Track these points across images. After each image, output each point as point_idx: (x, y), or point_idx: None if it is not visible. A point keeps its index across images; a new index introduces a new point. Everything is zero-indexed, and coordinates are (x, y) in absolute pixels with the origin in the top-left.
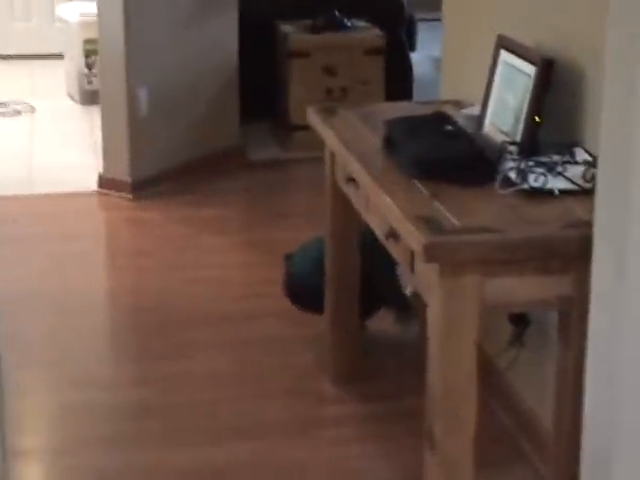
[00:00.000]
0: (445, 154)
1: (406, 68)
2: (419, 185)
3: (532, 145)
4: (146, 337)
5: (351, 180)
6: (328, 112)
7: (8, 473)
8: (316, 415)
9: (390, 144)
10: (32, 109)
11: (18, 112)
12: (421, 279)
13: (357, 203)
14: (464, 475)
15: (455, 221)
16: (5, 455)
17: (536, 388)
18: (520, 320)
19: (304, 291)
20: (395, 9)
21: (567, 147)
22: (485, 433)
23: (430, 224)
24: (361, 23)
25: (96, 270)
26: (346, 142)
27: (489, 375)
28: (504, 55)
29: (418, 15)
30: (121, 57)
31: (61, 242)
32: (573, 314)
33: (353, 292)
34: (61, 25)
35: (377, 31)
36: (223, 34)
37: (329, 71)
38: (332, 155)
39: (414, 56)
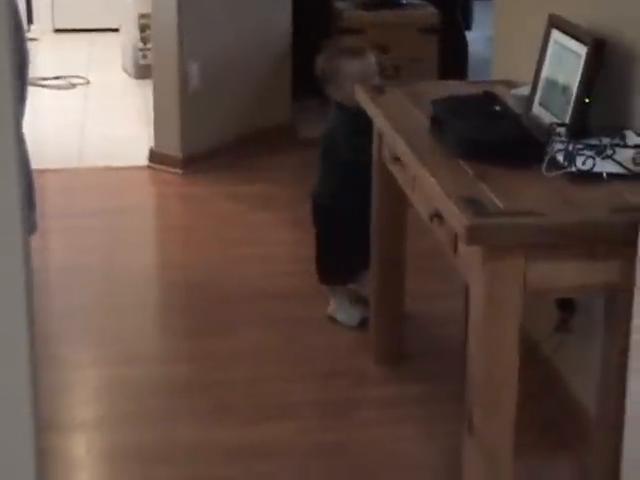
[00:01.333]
0: (492, 135)
1: (461, 47)
2: (465, 166)
3: (581, 127)
4: (192, 313)
5: (397, 159)
6: (377, 91)
7: (48, 447)
8: (357, 396)
9: (437, 124)
10: (87, 82)
11: (73, 85)
12: (464, 262)
13: (403, 183)
14: (503, 461)
15: (500, 203)
16: (38, 429)
17: (581, 375)
18: (567, 305)
19: (324, 209)
20: None
21: (617, 130)
22: (527, 419)
23: (474, 206)
24: (416, 1)
25: (144, 245)
26: (393, 121)
27: (534, 360)
28: (555, 35)
29: None
30: (174, 32)
31: (110, 216)
32: (619, 301)
33: (400, 272)
34: None
35: (432, 9)
36: (276, 10)
37: (382, 49)
38: (380, 134)
39: (470, 35)
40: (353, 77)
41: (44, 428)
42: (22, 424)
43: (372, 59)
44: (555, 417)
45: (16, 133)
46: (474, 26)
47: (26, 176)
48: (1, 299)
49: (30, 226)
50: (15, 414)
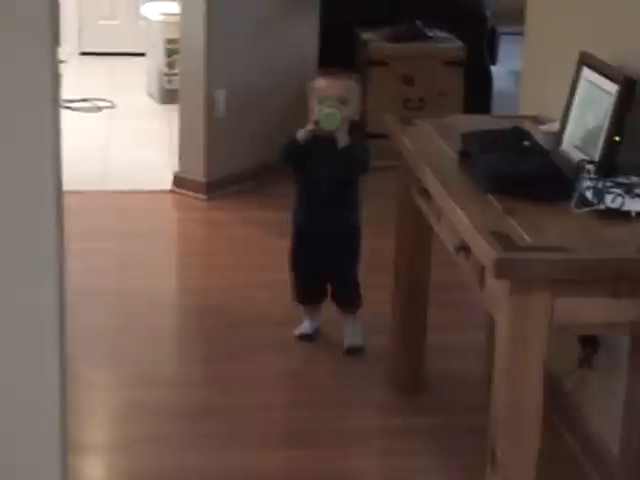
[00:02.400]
0: (521, 170)
1: (486, 81)
2: (493, 200)
3: (610, 165)
4: (210, 338)
5: (424, 191)
6: (405, 122)
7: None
8: (374, 425)
9: (466, 157)
10: (112, 106)
11: (98, 108)
12: (490, 295)
13: (429, 215)
14: None
15: (528, 238)
16: (67, 450)
17: (604, 412)
18: (590, 341)
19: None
20: (477, 21)
21: None
22: (550, 454)
23: (502, 240)
24: (442, 34)
25: (165, 269)
26: (421, 153)
27: (556, 396)
28: (586, 72)
29: (501, 28)
30: (201, 58)
31: (133, 240)
32: None
33: (422, 303)
34: (144, 24)
35: (458, 42)
36: (303, 39)
37: (407, 81)
38: (407, 165)
39: (495, 69)
40: (315, 94)
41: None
42: (51, 444)
43: (351, 80)
44: (576, 453)
45: (56, 154)
46: (499, 61)
47: None
48: (35, 319)
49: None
50: (45, 434)
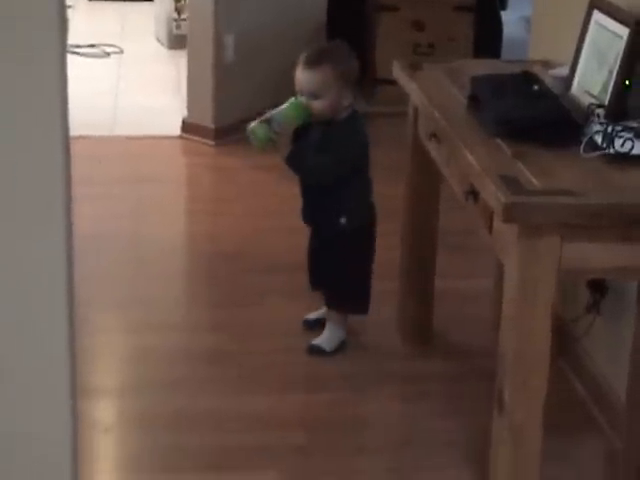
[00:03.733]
0: (530, 114)
1: (496, 26)
2: (502, 144)
3: (620, 109)
4: (219, 283)
5: (433, 136)
6: (414, 67)
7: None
8: (385, 371)
9: (475, 101)
10: (120, 51)
11: (107, 54)
12: (499, 239)
13: (438, 160)
14: (532, 440)
15: (536, 182)
16: (75, 394)
17: (611, 357)
18: (598, 287)
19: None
20: None
21: None
22: (557, 399)
23: (511, 184)
24: None
25: (175, 215)
26: (430, 97)
27: (564, 340)
28: (596, 16)
29: None
30: (210, 3)
31: (142, 185)
32: None
33: (430, 249)
34: None
35: None
36: None
37: (417, 26)
38: (415, 110)
39: (505, 15)
40: (301, 89)
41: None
42: (60, 388)
43: (327, 71)
44: (584, 398)
45: (63, 101)
46: (509, 6)
47: None
48: (43, 263)
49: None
50: (53, 378)
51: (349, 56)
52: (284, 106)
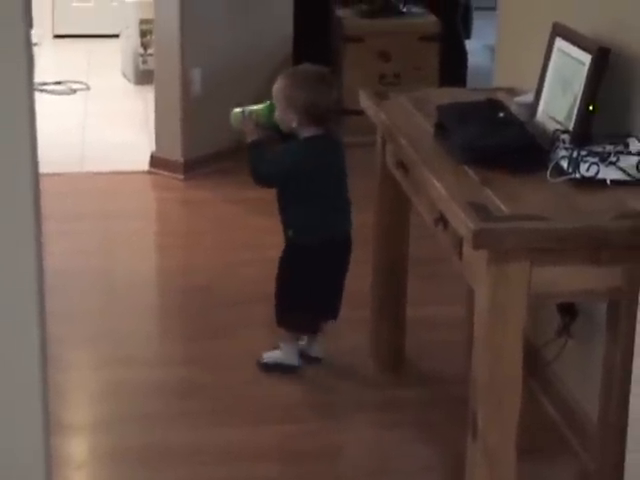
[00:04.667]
0: (497, 141)
1: (461, 55)
2: (469, 171)
3: (585, 134)
4: (192, 316)
5: (401, 165)
6: (380, 96)
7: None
8: (359, 399)
9: (442, 129)
10: (87, 88)
11: (73, 90)
12: (469, 266)
13: (407, 188)
14: (506, 463)
15: (505, 208)
16: (49, 430)
17: (583, 379)
18: (568, 310)
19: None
20: None
21: (621, 137)
22: (530, 423)
23: (479, 210)
24: (416, 9)
25: (145, 249)
26: (397, 126)
27: (536, 365)
28: (559, 43)
29: (474, 3)
30: (176, 38)
31: (112, 220)
32: (622, 306)
33: (401, 277)
34: (118, 5)
35: (432, 17)
36: (278, 16)
37: (383, 56)
38: (383, 139)
39: (469, 44)
40: (299, 106)
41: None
42: (34, 425)
43: (280, 85)
44: (556, 421)
45: (33, 136)
46: (474, 35)
47: None
48: (14, 300)
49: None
50: (27, 414)
51: (314, 87)
52: (260, 105)
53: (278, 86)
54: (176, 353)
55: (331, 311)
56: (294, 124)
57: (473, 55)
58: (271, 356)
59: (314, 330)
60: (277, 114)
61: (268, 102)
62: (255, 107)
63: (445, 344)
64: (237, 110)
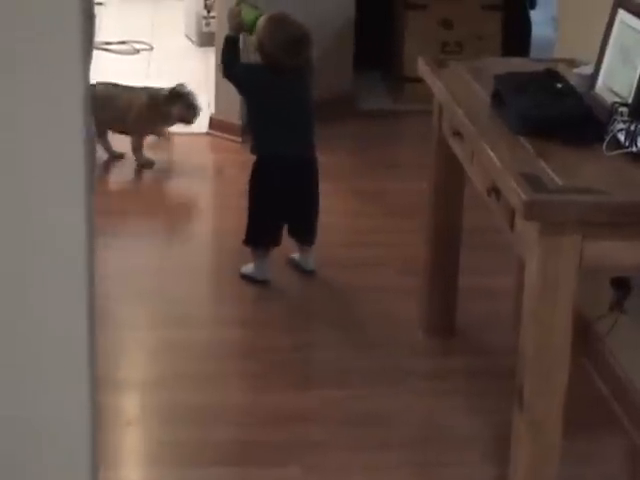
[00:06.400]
0: (553, 112)
1: (524, 25)
2: (525, 142)
3: None
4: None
5: (457, 134)
6: (439, 64)
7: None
8: (408, 367)
9: (498, 99)
10: (150, 48)
11: (136, 50)
12: (521, 237)
13: (462, 157)
14: (552, 438)
15: (558, 180)
16: (95, 385)
17: (634, 355)
18: (622, 285)
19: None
20: None
21: None
22: (581, 397)
23: (533, 181)
24: None
25: (202, 210)
26: (454, 95)
27: (588, 339)
28: (621, 14)
29: None
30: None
31: (170, 181)
32: None
33: (454, 245)
34: None
35: None
36: None
37: (445, 24)
38: (440, 108)
39: (534, 15)
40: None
41: (97, 386)
42: (80, 379)
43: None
44: (607, 397)
45: (85, 96)
46: (538, 6)
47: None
48: (63, 253)
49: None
50: (73, 369)
51: (273, 33)
52: (253, 11)
53: (263, 17)
54: (230, 315)
55: (300, 234)
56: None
57: (538, 26)
58: (247, 268)
59: (274, 244)
60: (254, 34)
61: (259, 12)
62: (249, 9)
63: (495, 315)
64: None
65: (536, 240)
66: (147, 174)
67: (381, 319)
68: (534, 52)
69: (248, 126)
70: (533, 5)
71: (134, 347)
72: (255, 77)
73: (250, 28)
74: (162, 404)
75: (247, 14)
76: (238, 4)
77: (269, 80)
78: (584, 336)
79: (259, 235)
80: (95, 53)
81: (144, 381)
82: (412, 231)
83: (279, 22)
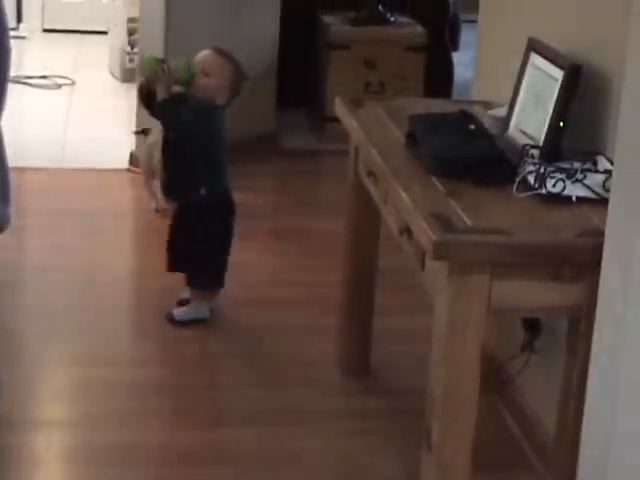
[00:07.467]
0: (465, 153)
1: (447, 67)
2: (437, 182)
3: (554, 150)
4: (163, 317)
5: (372, 174)
6: (355, 104)
7: (7, 445)
8: (321, 407)
9: (412, 139)
10: (72, 83)
11: (58, 85)
12: (430, 277)
13: (377, 197)
14: (460, 477)
15: (468, 220)
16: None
17: (543, 395)
18: (533, 326)
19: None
20: (439, 7)
21: (590, 155)
22: (491, 437)
23: (442, 222)
24: (404, 19)
25: (120, 247)
26: (369, 134)
27: (499, 379)
28: (533, 58)
29: (464, 16)
30: (160, 37)
31: (89, 218)
32: (582, 323)
33: (369, 286)
34: (107, 2)
35: (420, 28)
36: (264, 20)
37: (368, 64)
38: (356, 148)
39: (458, 56)
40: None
41: (4, 424)
42: None
43: (228, 67)
44: (517, 436)
45: None
46: (463, 49)
47: (2, 170)
48: None
49: (3, 220)
50: None
51: (239, 67)
52: (179, 61)
53: (213, 58)
54: (148, 353)
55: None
56: (219, 92)
57: (461, 67)
58: (183, 312)
59: (221, 285)
60: (203, 80)
61: (185, 59)
62: (175, 62)
63: (410, 355)
64: (152, 57)
65: (445, 280)
66: (69, 211)
67: (298, 359)
68: (456, 93)
69: (194, 171)
70: (456, 47)
71: (47, 385)
72: (218, 120)
73: (188, 81)
74: (74, 443)
75: (180, 69)
76: (159, 61)
77: (222, 119)
78: (496, 376)
79: (217, 275)
80: (15, 87)
81: (56, 420)
82: (332, 270)
83: (227, 51)
